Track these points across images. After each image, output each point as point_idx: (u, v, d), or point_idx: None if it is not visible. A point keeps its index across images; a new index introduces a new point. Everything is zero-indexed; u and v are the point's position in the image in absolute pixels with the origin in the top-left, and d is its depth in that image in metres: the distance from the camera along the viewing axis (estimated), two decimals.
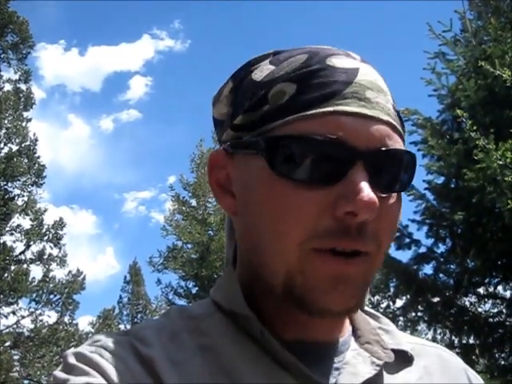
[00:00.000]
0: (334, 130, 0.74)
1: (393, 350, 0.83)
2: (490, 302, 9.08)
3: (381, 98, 0.78)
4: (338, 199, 0.72)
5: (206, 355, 0.76)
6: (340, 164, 0.74)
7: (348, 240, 0.73)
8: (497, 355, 8.48)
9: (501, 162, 5.71)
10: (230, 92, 0.87)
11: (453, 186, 8.39)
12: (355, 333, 0.86)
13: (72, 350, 0.76)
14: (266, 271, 0.78)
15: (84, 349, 0.75)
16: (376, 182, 0.74)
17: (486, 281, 8.62)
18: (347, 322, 0.86)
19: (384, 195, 0.75)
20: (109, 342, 0.76)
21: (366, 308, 0.93)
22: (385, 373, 0.81)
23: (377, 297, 10.82)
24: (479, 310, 8.97)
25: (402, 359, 0.84)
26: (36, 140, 19.20)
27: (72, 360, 0.73)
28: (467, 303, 8.94)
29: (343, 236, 0.73)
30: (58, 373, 0.73)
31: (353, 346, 0.83)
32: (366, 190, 0.71)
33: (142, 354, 0.74)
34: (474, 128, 5.75)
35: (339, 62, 0.79)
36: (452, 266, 8.81)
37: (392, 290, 9.39)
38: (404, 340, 0.87)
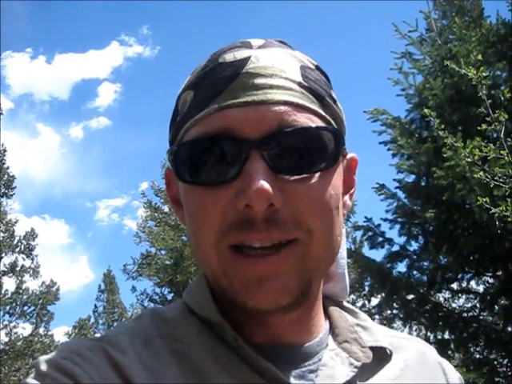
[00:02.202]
0: (222, 126, 0.73)
1: (371, 348, 0.82)
2: (464, 297, 9.21)
3: (276, 80, 0.75)
4: (236, 194, 0.71)
5: (182, 363, 0.74)
6: (235, 158, 0.72)
7: (254, 232, 0.71)
8: (472, 349, 8.59)
9: (469, 160, 5.77)
10: None
11: (423, 184, 8.50)
12: (333, 331, 0.84)
13: (44, 356, 0.74)
14: (207, 277, 0.79)
15: (56, 355, 0.73)
16: (280, 166, 0.72)
17: (459, 276, 8.73)
18: (322, 319, 0.84)
19: (295, 177, 0.73)
20: (82, 349, 0.73)
21: (344, 303, 0.92)
22: (364, 373, 0.79)
23: (352, 296, 10.90)
24: (453, 305, 9.10)
25: (381, 356, 0.83)
26: (4, 151, 19.00)
27: (44, 367, 0.71)
28: (441, 299, 9.05)
29: (248, 228, 0.71)
30: (31, 380, 0.70)
31: (331, 346, 0.81)
32: (257, 180, 0.69)
33: (116, 360, 0.72)
34: (442, 126, 5.81)
35: (230, 56, 0.78)
36: (425, 263, 8.90)
37: (367, 288, 9.46)
38: (382, 335, 0.86)
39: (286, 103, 0.73)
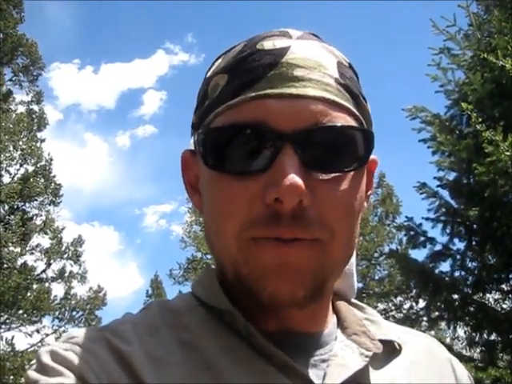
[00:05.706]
0: (257, 115, 0.71)
1: (380, 341, 0.81)
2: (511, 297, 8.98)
3: (314, 74, 0.74)
4: (266, 186, 0.70)
5: (189, 351, 0.73)
6: (267, 150, 0.71)
7: (281, 228, 0.70)
8: None
9: (508, 153, 5.63)
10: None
11: (465, 181, 8.31)
12: (341, 324, 0.84)
13: (46, 347, 0.73)
14: (222, 266, 0.77)
15: (58, 346, 0.73)
16: (311, 164, 0.71)
17: (505, 276, 8.52)
18: (331, 312, 0.84)
19: (326, 176, 0.72)
20: (84, 339, 0.73)
21: (352, 300, 0.91)
22: (374, 364, 0.79)
23: (399, 298, 10.77)
24: (503, 306, 8.86)
25: (390, 349, 0.82)
26: (51, 160, 19.30)
27: (45, 358, 0.71)
28: (491, 300, 8.84)
29: (275, 223, 0.70)
30: (31, 372, 0.70)
31: (340, 338, 0.81)
32: (290, 175, 0.68)
33: (119, 350, 0.71)
34: (480, 120, 5.69)
35: (269, 43, 0.76)
36: (473, 263, 8.71)
37: (414, 290, 9.32)
38: (391, 330, 0.86)
39: (323, 100, 0.73)
